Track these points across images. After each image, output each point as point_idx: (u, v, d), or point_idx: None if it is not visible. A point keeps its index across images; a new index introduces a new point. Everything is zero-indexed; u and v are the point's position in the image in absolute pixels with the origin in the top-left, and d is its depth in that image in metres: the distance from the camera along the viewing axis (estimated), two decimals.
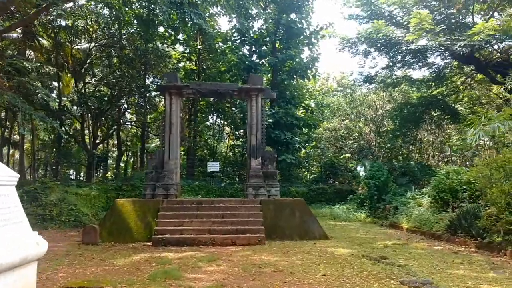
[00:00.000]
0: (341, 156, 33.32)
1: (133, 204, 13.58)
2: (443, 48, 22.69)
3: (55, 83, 30.36)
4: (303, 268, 8.65)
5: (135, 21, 28.41)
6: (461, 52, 21.15)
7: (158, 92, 20.84)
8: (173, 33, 31.56)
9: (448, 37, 18.34)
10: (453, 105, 27.43)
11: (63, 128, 31.43)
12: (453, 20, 20.86)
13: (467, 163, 32.98)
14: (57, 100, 27.96)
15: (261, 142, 15.11)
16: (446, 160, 34.62)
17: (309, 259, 9.72)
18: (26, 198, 17.69)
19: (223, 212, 13.49)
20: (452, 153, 33.06)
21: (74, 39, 28.83)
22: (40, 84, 28.54)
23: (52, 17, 25.96)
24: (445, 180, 15.29)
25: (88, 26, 28.01)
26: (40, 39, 29.62)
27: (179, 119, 15.15)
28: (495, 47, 21.66)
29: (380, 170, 21.10)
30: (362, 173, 24.54)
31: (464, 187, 14.69)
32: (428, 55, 25.63)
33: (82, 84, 29.41)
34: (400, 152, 32.60)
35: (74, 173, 40.47)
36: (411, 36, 18.38)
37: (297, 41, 29.31)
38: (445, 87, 26.92)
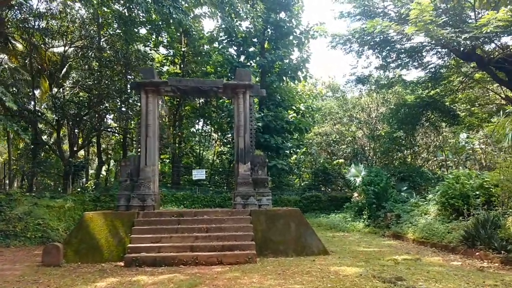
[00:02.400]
0: (334, 162, 31.79)
1: (104, 217, 11.79)
2: (441, 45, 21.39)
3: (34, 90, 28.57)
4: None
5: (114, 22, 26.78)
6: (463, 48, 19.89)
7: (133, 91, 19.15)
8: (155, 35, 29.98)
9: (452, 30, 16.91)
10: (451, 106, 26.09)
11: (42, 137, 29.66)
12: (451, 12, 19.51)
13: (460, 167, 31.75)
14: (27, 106, 26.13)
15: (250, 146, 13.46)
16: (441, 164, 33.36)
17: (311, 282, 8.06)
18: None
19: (208, 226, 11.77)
20: (447, 157, 31.77)
21: (49, 41, 27.01)
22: (16, 90, 27.10)
23: (24, 16, 24.24)
24: (455, 185, 13.78)
25: (64, 27, 26.17)
26: (14, 42, 27.84)
27: (157, 121, 13.42)
28: (497, 43, 20.38)
29: (378, 175, 19.55)
30: (353, 178, 22.99)
31: (477, 192, 13.18)
32: (424, 54, 24.38)
33: (58, 89, 27.50)
34: (396, 157, 31.16)
35: (53, 183, 38.30)
36: (411, 28, 16.93)
37: (287, 41, 27.87)
38: (442, 88, 25.61)
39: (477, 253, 10.52)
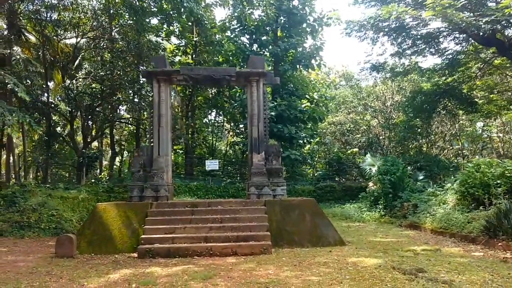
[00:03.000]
0: (348, 151, 31.38)
1: (117, 208, 11.67)
2: (459, 30, 20.82)
3: (48, 83, 28.68)
4: None
5: (126, 13, 26.60)
6: (482, 33, 19.31)
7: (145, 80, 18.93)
8: (167, 25, 29.75)
9: (471, 14, 16.37)
10: (468, 93, 25.46)
11: (56, 128, 29.77)
12: None
13: (476, 156, 31.17)
14: (40, 98, 26.20)
15: (264, 135, 13.20)
16: (457, 153, 32.79)
17: (328, 274, 7.82)
18: (2, 203, 15.95)
19: (222, 216, 11.59)
20: (463, 146, 31.21)
21: (61, 32, 26.98)
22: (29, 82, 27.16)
23: (36, 7, 24.22)
24: (475, 174, 13.36)
25: (75, 18, 26.08)
26: (27, 34, 27.88)
27: (169, 110, 13.24)
28: None
29: (394, 164, 19.16)
30: (368, 167, 22.61)
31: (498, 181, 12.76)
32: (441, 40, 23.79)
33: (71, 80, 27.51)
34: (411, 146, 30.63)
35: (67, 175, 38.57)
36: (428, 12, 16.41)
37: (300, 29, 27.38)
38: (460, 75, 24.97)
39: (499, 244, 10.16)
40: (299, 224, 11.60)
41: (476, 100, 25.73)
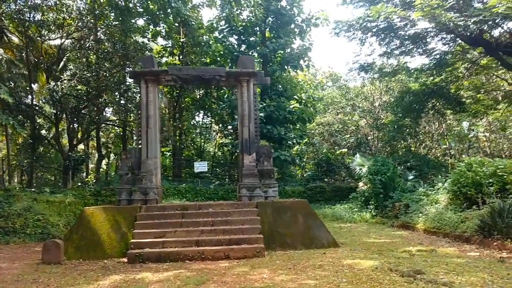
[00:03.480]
0: (337, 152, 31.33)
1: (105, 212, 11.36)
2: (447, 30, 20.87)
3: (32, 85, 28.10)
4: None
5: (111, 13, 26.23)
6: (470, 33, 19.39)
7: (132, 80, 18.50)
8: (153, 26, 29.40)
9: (459, 14, 16.39)
10: (456, 93, 25.57)
11: (41, 131, 29.18)
12: None
13: (463, 155, 31.37)
14: (24, 100, 25.68)
15: (254, 136, 12.99)
16: (444, 153, 32.95)
17: (324, 277, 7.64)
18: None
19: (213, 219, 11.34)
20: (450, 145, 31.36)
21: (45, 33, 26.41)
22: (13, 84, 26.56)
23: (18, 7, 23.65)
24: (467, 173, 13.33)
25: (59, 19, 25.55)
26: (9, 35, 27.26)
27: (157, 111, 12.95)
28: (505, 27, 19.86)
29: (385, 164, 19.13)
30: (358, 167, 22.57)
31: (490, 180, 12.74)
32: (429, 40, 23.83)
33: (55, 82, 26.94)
34: (399, 146, 30.70)
35: (53, 178, 37.86)
36: (417, 13, 16.38)
37: (288, 30, 27.23)
38: (447, 75, 25.07)
39: (494, 243, 10.09)
40: (292, 226, 11.41)
41: (464, 100, 25.84)
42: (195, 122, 35.85)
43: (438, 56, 24.06)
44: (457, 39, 22.30)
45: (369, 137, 32.47)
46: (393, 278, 7.39)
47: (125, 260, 10.08)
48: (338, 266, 8.65)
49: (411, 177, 21.08)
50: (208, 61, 28.46)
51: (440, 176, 21.90)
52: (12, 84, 26.14)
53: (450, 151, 31.77)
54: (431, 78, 25.37)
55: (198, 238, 10.53)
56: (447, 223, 12.71)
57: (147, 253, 9.98)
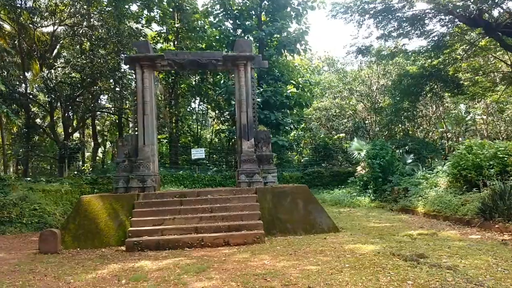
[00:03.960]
0: (335, 137, 31.20)
1: (103, 200, 11.19)
2: (445, 11, 20.62)
3: (26, 73, 27.74)
4: (323, 279, 6.44)
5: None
6: (469, 13, 19.14)
7: (128, 66, 18.14)
8: (147, 11, 28.99)
9: None
10: (454, 75, 25.38)
11: (36, 120, 28.85)
12: None
13: (460, 138, 31.36)
14: (18, 88, 25.33)
15: (253, 121, 12.79)
16: (441, 136, 32.90)
17: (327, 263, 7.52)
18: None
19: (212, 206, 11.21)
20: (447, 128, 31.28)
21: (37, 20, 25.92)
22: (6, 73, 26.13)
23: None
24: (467, 156, 13.21)
25: (51, 5, 25.09)
26: (1, 23, 26.76)
27: (153, 97, 12.72)
28: (505, 7, 19.62)
29: (383, 148, 19.00)
30: (356, 152, 22.48)
31: (491, 162, 12.62)
32: (426, 22, 23.55)
33: (49, 70, 26.55)
34: (397, 129, 30.58)
35: (49, 167, 37.66)
36: None
37: (284, 13, 26.85)
38: (445, 57, 24.86)
39: (496, 226, 10.00)
40: (292, 212, 11.30)
41: (462, 82, 25.67)
42: (191, 108, 35.60)
43: (436, 38, 23.81)
44: (456, 20, 22.05)
45: (366, 121, 32.31)
46: (396, 262, 7.27)
47: (123, 248, 9.95)
48: (339, 251, 8.54)
49: (409, 161, 20.99)
50: (203, 46, 28.14)
51: (438, 160, 21.88)
52: (5, 72, 25.69)
53: (447, 134, 31.71)
54: (429, 60, 25.16)
55: (197, 225, 10.41)
56: (447, 206, 12.62)
57: (146, 241, 9.85)
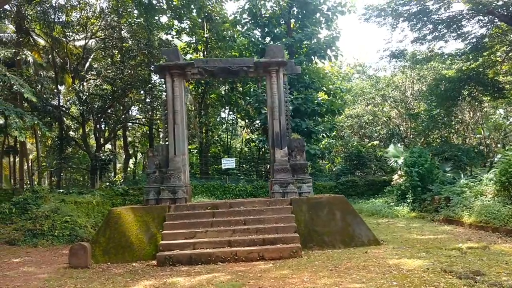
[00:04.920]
0: (368, 144, 30.32)
1: (133, 213, 10.90)
2: (484, 11, 19.70)
3: (59, 87, 28.23)
4: None
5: (134, 11, 26.00)
6: (511, 13, 18.21)
7: (158, 76, 18.11)
8: (177, 22, 29.06)
9: None
10: (494, 79, 24.24)
11: (68, 132, 29.20)
12: None
13: (499, 144, 29.94)
14: (53, 102, 25.75)
15: (286, 129, 12.31)
16: (479, 142, 31.52)
17: (371, 280, 6.93)
18: (15, 210, 15.34)
19: (245, 218, 10.75)
20: (486, 134, 29.91)
21: (70, 34, 26.34)
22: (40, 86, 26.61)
23: (43, 8, 23.59)
24: None
25: (83, 19, 25.46)
26: (35, 37, 27.32)
27: (184, 106, 12.43)
28: None
29: (422, 156, 18.11)
30: (393, 159, 21.66)
31: None
32: (464, 23, 22.64)
33: (81, 82, 26.90)
34: (433, 136, 29.45)
35: (82, 179, 38.16)
36: None
37: (314, 19, 26.36)
38: (485, 59, 23.77)
39: None
40: (329, 224, 10.71)
41: (502, 85, 24.47)
42: (220, 118, 35.42)
43: (474, 40, 22.84)
44: (496, 20, 21.09)
45: (401, 128, 31.30)
46: (449, 280, 6.62)
47: (155, 262, 9.60)
48: (384, 266, 7.92)
49: (448, 168, 20.04)
50: (233, 55, 27.92)
51: (477, 167, 20.81)
52: (39, 86, 26.14)
53: (486, 140, 30.36)
54: (467, 63, 24.10)
55: (230, 238, 9.96)
56: (496, 216, 11.76)
57: (178, 255, 9.47)
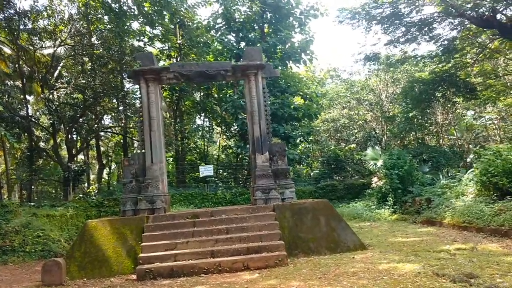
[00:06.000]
0: (346, 148, 30.35)
1: (110, 225, 10.38)
2: (455, 14, 19.99)
3: (28, 96, 27.21)
4: None
5: (105, 17, 25.36)
6: (481, 14, 18.50)
7: (132, 83, 17.61)
8: (149, 29, 28.53)
9: None
10: (466, 80, 24.61)
11: (38, 143, 28.17)
12: None
13: (470, 145, 30.45)
14: (21, 112, 24.81)
15: (266, 133, 12.02)
16: (452, 143, 31.99)
17: (364, 287, 6.66)
18: None
19: (228, 226, 10.37)
20: (458, 135, 30.37)
21: (37, 41, 25.42)
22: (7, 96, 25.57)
23: (7, 14, 22.68)
24: (496, 162, 12.38)
25: (51, 25, 24.62)
26: (1, 46, 26.31)
27: (160, 112, 11.99)
28: None
29: (401, 158, 18.13)
30: (372, 162, 21.67)
31: None
32: (435, 26, 22.94)
33: (50, 92, 25.98)
34: (409, 138, 29.71)
35: (54, 191, 36.91)
36: None
37: (287, 23, 26.28)
38: (457, 60, 24.15)
39: None
40: (314, 230, 10.45)
41: (475, 86, 24.89)
42: (196, 125, 34.90)
43: (446, 42, 23.18)
44: (466, 22, 21.43)
45: (377, 131, 31.48)
46: (443, 284, 6.43)
47: (134, 277, 9.11)
48: (374, 272, 7.68)
49: (427, 170, 20.16)
50: (208, 59, 27.58)
51: (454, 168, 20.96)
52: (6, 96, 25.13)
53: (458, 141, 30.83)
54: (440, 65, 24.43)
55: (213, 248, 9.57)
56: (479, 216, 11.74)
57: (158, 268, 9.01)
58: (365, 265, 8.36)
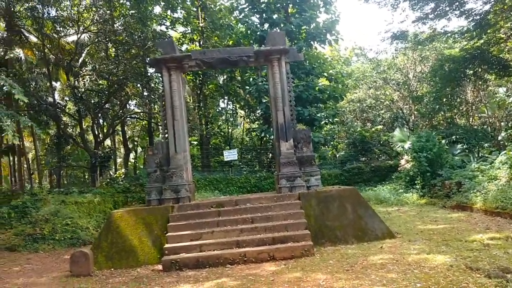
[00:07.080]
0: (372, 129, 29.74)
1: (135, 215, 10.41)
2: None
3: (54, 83, 27.56)
4: None
5: (127, 2, 25.33)
6: None
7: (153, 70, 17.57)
8: (170, 12, 28.36)
9: None
10: (499, 56, 23.56)
11: (66, 129, 28.63)
12: None
13: (502, 123, 29.34)
14: (48, 99, 25.16)
15: (290, 120, 11.75)
16: (483, 122, 30.91)
17: (393, 282, 6.45)
18: (14, 215, 14.87)
19: (253, 215, 10.26)
20: (489, 114, 29.29)
21: (61, 29, 25.58)
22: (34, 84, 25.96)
23: (32, 4, 22.84)
24: None
25: (74, 13, 24.71)
26: (27, 34, 26.61)
27: (183, 101, 11.86)
28: None
29: (429, 140, 17.59)
30: (399, 144, 21.17)
31: None
32: (467, 0, 21.92)
33: (75, 79, 26.23)
34: (437, 118, 28.82)
35: (82, 176, 37.65)
36: None
37: (312, 3, 25.58)
38: (489, 36, 23.08)
39: None
40: (341, 218, 10.23)
41: (509, 62, 23.81)
42: (220, 109, 34.80)
43: (478, 17, 22.13)
44: None
45: (404, 111, 30.69)
46: (478, 280, 6.15)
47: (160, 267, 9.14)
48: (403, 264, 7.45)
49: (457, 152, 19.52)
50: (230, 43, 27.24)
51: (487, 148, 20.24)
52: (34, 83, 25.48)
53: (489, 119, 29.77)
54: (471, 42, 23.41)
55: (238, 238, 9.48)
56: None
57: (184, 259, 9.00)
58: (394, 255, 8.13)
